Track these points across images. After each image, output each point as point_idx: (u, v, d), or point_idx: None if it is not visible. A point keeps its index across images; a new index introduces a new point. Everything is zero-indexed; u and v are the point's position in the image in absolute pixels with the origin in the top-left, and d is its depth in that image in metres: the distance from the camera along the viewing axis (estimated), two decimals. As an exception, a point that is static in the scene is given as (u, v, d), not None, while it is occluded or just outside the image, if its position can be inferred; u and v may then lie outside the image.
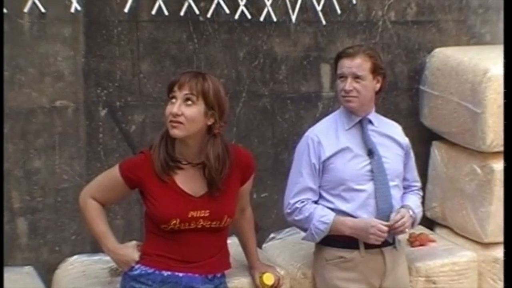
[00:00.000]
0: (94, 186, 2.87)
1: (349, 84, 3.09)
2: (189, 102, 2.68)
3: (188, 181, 2.75)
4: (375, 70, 3.12)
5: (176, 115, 2.66)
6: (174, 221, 2.71)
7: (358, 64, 3.09)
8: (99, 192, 2.83)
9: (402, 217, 3.07)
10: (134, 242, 2.88)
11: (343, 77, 3.11)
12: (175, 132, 2.68)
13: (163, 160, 2.72)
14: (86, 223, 2.89)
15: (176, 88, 2.69)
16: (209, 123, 2.72)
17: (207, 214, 2.74)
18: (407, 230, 3.17)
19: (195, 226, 2.74)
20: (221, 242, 2.88)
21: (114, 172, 2.81)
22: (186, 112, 2.66)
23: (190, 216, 2.72)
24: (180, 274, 2.77)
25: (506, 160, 2.97)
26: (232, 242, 3.07)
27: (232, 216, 2.83)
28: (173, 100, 2.69)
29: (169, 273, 2.77)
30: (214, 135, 2.74)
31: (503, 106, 3.13)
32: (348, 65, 3.09)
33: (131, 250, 2.82)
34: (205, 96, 2.69)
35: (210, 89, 2.69)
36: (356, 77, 3.08)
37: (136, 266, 2.79)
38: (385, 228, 3.03)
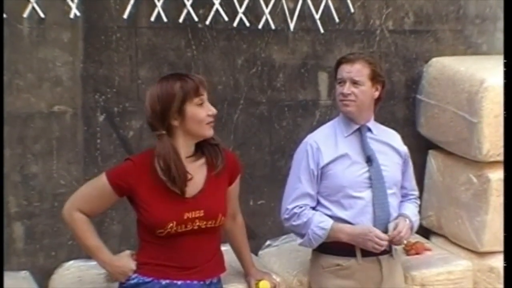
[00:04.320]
0: (79, 198, 2.82)
1: (347, 88, 3.10)
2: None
3: None
4: (374, 78, 3.13)
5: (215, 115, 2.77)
6: (171, 224, 2.70)
7: (357, 69, 3.10)
8: (85, 203, 2.79)
9: (400, 232, 3.08)
10: (128, 252, 2.87)
11: (342, 81, 3.13)
12: (211, 132, 2.78)
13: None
14: (76, 237, 2.85)
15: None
16: None
17: (202, 214, 2.74)
18: (405, 241, 3.18)
19: (192, 227, 2.73)
20: (215, 245, 2.88)
21: (101, 181, 2.77)
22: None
23: (185, 217, 2.72)
24: (179, 282, 2.77)
25: (506, 169, 2.99)
26: (228, 249, 3.07)
27: (225, 214, 2.83)
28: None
29: (167, 281, 2.76)
30: None
31: (503, 114, 3.13)
32: (348, 70, 3.11)
33: (126, 260, 2.82)
34: None
35: None
36: (354, 82, 3.10)
37: (133, 276, 2.79)
38: (383, 236, 3.03)
